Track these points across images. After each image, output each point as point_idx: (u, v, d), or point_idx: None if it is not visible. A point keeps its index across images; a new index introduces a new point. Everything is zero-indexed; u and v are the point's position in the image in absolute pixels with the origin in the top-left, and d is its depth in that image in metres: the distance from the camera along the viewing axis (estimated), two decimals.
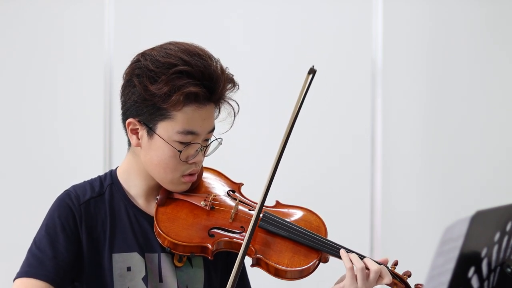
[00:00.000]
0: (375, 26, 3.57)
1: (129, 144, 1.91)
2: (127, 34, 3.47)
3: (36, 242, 1.84)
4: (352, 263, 1.84)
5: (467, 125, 3.65)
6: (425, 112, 3.63)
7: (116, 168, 1.95)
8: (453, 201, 3.61)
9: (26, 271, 1.81)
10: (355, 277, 1.83)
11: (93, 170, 3.38)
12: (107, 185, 1.91)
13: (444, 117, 3.64)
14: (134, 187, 1.92)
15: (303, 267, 1.86)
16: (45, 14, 3.46)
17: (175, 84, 1.79)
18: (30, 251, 1.84)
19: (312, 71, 1.88)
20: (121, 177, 1.93)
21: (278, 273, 1.86)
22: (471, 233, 1.21)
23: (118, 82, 3.45)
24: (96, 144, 3.42)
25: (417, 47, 3.63)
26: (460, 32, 3.65)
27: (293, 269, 1.86)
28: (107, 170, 1.99)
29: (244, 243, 1.78)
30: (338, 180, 3.56)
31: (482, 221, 1.24)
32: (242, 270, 2.00)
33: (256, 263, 1.87)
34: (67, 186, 1.93)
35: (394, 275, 1.90)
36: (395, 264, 1.92)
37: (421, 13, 3.63)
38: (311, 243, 1.89)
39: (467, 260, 1.25)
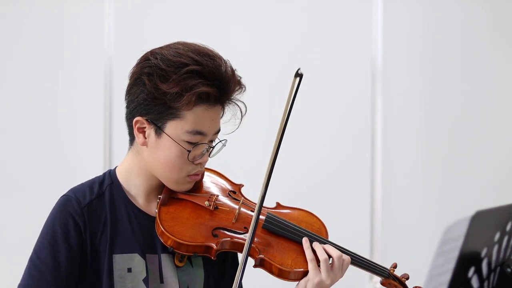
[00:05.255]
0: (375, 26, 3.57)
1: (130, 143, 1.90)
2: (127, 34, 3.47)
3: (36, 252, 1.81)
4: (316, 255, 1.85)
5: (467, 124, 3.65)
6: (425, 111, 3.63)
7: (115, 168, 1.93)
8: (453, 201, 3.61)
9: (28, 284, 1.78)
10: (318, 269, 1.83)
11: (93, 170, 3.38)
12: (107, 185, 1.89)
13: (444, 116, 3.64)
14: (135, 186, 1.90)
15: (307, 268, 1.86)
16: (45, 14, 3.46)
17: (187, 83, 1.78)
18: (31, 260, 1.81)
19: (299, 75, 1.88)
20: (121, 177, 1.91)
21: (281, 274, 1.86)
22: (471, 233, 1.21)
23: (118, 82, 3.48)
24: (96, 144, 3.42)
25: (417, 47, 3.63)
26: (459, 32, 3.65)
27: (297, 270, 1.85)
28: (107, 170, 1.97)
29: (246, 243, 1.77)
30: (338, 180, 3.56)
31: (482, 221, 1.24)
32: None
33: (260, 263, 1.86)
34: (67, 185, 1.91)
35: (394, 277, 1.91)
36: (394, 267, 1.93)
37: (421, 13, 3.63)
38: None
39: (467, 260, 1.25)
